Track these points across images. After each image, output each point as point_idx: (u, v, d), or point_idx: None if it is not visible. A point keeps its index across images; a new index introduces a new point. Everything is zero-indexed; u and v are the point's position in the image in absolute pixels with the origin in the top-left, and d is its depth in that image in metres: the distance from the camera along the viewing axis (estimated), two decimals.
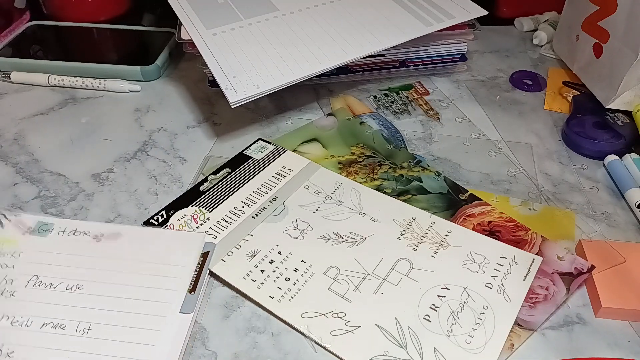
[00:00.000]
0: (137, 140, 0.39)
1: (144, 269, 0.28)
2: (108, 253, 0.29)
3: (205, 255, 0.28)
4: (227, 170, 0.36)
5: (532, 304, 0.28)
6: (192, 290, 0.27)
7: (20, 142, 0.39)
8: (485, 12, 0.43)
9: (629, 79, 0.38)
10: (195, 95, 0.44)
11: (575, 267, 0.29)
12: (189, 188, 0.34)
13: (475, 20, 0.43)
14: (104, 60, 0.45)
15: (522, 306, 0.28)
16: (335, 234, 0.31)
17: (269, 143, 0.38)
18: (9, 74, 0.44)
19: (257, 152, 0.36)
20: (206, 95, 0.44)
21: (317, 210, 0.33)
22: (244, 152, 0.37)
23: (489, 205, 0.33)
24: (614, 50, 0.39)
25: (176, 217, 0.32)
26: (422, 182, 0.35)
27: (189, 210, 0.32)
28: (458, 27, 0.43)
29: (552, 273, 0.29)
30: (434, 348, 0.26)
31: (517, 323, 0.27)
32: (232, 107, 0.35)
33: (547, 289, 0.28)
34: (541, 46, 0.51)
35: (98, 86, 0.44)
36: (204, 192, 0.34)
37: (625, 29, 0.38)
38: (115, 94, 0.44)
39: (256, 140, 0.38)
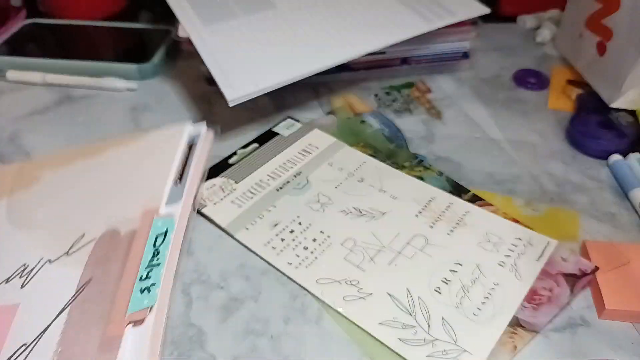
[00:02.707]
0: None
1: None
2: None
3: (191, 147, 0.26)
4: (255, 145, 0.37)
5: (535, 306, 0.28)
6: (179, 180, 0.24)
7: (16, 141, 0.38)
8: (488, 10, 0.43)
9: (633, 77, 0.37)
10: (193, 94, 0.43)
11: (579, 268, 0.29)
12: (219, 161, 0.35)
13: (477, 17, 0.43)
14: (100, 58, 0.45)
15: (525, 307, 0.27)
16: (355, 208, 0.32)
17: (297, 121, 0.39)
18: (5, 73, 0.44)
19: (284, 130, 0.38)
20: (204, 93, 0.43)
21: (338, 185, 0.34)
22: (272, 129, 0.38)
23: (492, 205, 0.33)
24: (618, 49, 0.39)
25: (205, 187, 0.33)
26: (424, 181, 0.35)
27: (217, 180, 0.34)
28: (460, 25, 0.42)
29: (556, 274, 0.29)
30: (442, 317, 0.27)
31: (520, 325, 0.27)
32: (231, 105, 0.35)
33: (550, 290, 0.28)
34: (544, 44, 0.50)
35: (94, 85, 0.43)
36: (232, 165, 0.35)
37: (629, 27, 0.37)
38: (112, 93, 0.43)
39: (285, 118, 0.39)
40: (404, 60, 0.44)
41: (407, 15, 0.42)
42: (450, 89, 0.44)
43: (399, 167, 0.36)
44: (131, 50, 0.48)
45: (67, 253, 0.23)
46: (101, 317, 0.20)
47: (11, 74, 0.44)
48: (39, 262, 0.23)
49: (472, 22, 0.43)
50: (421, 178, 0.35)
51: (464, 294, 0.28)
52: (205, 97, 0.43)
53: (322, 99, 0.43)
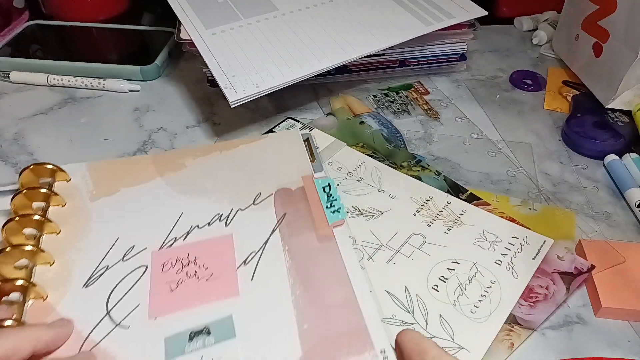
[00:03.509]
0: (136, 140, 0.39)
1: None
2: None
3: (307, 141, 0.36)
4: None
5: (532, 304, 0.28)
6: (313, 160, 0.34)
7: (19, 142, 0.39)
8: (485, 12, 0.43)
9: (628, 78, 0.38)
10: (195, 95, 0.44)
11: (575, 267, 0.29)
12: None
13: (474, 19, 0.43)
14: (103, 60, 0.45)
15: (522, 305, 0.28)
16: (354, 207, 0.33)
17: (298, 121, 0.39)
18: (8, 74, 0.44)
19: (285, 130, 0.38)
20: (206, 94, 0.44)
21: (338, 185, 0.34)
22: (273, 130, 0.39)
23: (489, 204, 0.33)
24: (614, 50, 0.39)
25: None
26: (422, 181, 0.35)
27: None
28: (458, 27, 0.43)
29: (552, 272, 0.29)
30: (440, 315, 0.27)
31: (517, 322, 0.27)
32: (232, 106, 0.35)
33: (547, 288, 0.29)
34: (541, 45, 0.51)
35: (97, 86, 0.44)
36: None
37: (625, 29, 0.38)
38: (115, 94, 0.44)
39: (285, 119, 0.40)
40: (402, 62, 0.45)
41: (406, 18, 0.42)
42: (447, 90, 0.45)
43: (398, 167, 0.36)
44: (134, 52, 0.48)
45: (254, 203, 0.32)
46: (307, 229, 0.30)
47: (15, 75, 0.44)
48: (231, 211, 0.31)
49: (470, 24, 0.43)
50: (419, 178, 0.35)
51: (461, 292, 0.28)
52: (206, 98, 0.43)
53: (322, 100, 0.43)
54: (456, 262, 0.29)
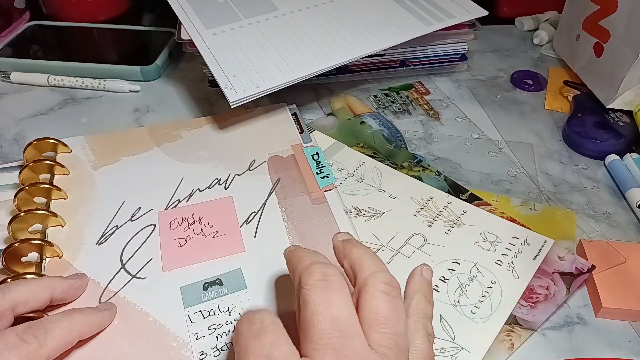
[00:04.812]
0: None
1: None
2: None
3: (295, 115, 0.39)
4: None
5: (532, 304, 0.28)
6: (301, 132, 0.37)
7: (20, 142, 0.39)
8: (486, 13, 0.43)
9: (629, 78, 0.38)
10: (195, 95, 0.44)
11: (575, 267, 0.29)
12: None
13: (475, 19, 0.43)
14: (103, 60, 0.45)
15: (522, 305, 0.28)
16: (354, 207, 0.33)
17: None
18: (9, 74, 0.44)
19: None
20: (206, 95, 0.44)
21: (339, 185, 0.34)
22: None
23: (490, 205, 0.33)
24: (615, 50, 0.39)
25: None
26: (422, 181, 0.35)
27: None
28: (458, 27, 0.43)
29: (553, 273, 0.29)
30: (440, 315, 0.27)
31: (517, 323, 0.27)
32: (232, 106, 0.35)
33: (547, 288, 0.29)
34: (542, 46, 0.51)
35: (98, 86, 0.44)
36: None
37: (625, 29, 0.38)
38: (115, 94, 0.44)
39: None
40: (403, 62, 0.45)
41: (406, 18, 0.42)
42: (448, 91, 0.45)
43: (398, 167, 0.36)
44: (134, 52, 0.48)
45: (249, 169, 0.34)
46: (300, 192, 0.33)
47: (15, 76, 0.44)
48: (229, 176, 0.34)
49: (470, 24, 0.43)
50: (420, 178, 0.35)
51: (461, 292, 0.28)
52: (206, 99, 0.43)
53: (322, 100, 0.43)
54: (457, 263, 0.29)
